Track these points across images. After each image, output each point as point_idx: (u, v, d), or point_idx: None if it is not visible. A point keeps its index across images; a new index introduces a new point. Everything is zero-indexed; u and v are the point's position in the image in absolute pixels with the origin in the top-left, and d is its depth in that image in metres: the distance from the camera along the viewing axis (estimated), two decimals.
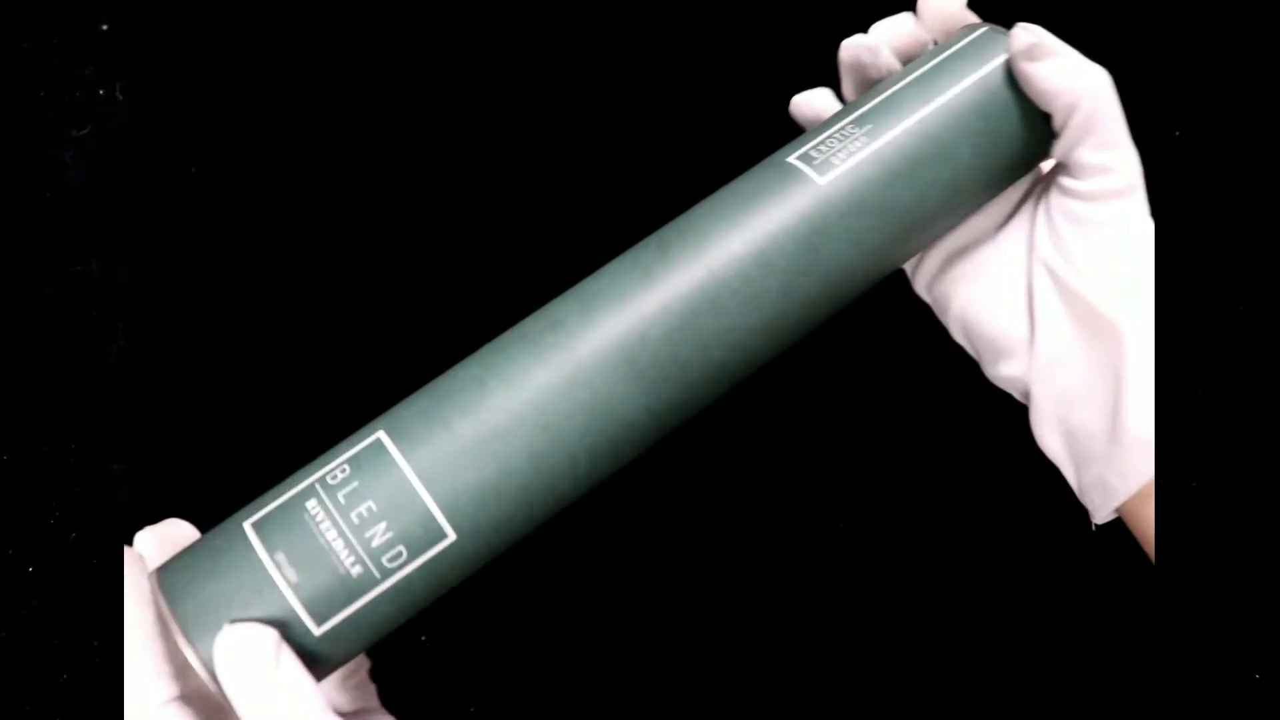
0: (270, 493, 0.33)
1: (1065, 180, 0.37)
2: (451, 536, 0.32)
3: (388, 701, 0.36)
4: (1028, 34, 0.36)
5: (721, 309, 0.34)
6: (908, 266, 0.41)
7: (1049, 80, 0.36)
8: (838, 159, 0.36)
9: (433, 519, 0.32)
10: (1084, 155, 0.36)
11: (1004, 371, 0.39)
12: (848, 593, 0.56)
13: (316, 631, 0.31)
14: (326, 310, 0.55)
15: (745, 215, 0.35)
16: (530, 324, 0.35)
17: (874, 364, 0.57)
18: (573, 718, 0.54)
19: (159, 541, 0.34)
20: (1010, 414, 0.39)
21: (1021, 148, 0.37)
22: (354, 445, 0.33)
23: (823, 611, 0.56)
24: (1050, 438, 0.38)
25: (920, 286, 0.41)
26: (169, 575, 0.32)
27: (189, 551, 0.32)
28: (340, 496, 0.31)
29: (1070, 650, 0.56)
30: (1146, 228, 0.36)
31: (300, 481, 0.32)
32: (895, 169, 0.36)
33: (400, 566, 0.31)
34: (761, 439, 0.57)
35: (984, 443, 0.55)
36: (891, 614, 0.56)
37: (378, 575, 0.31)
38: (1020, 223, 0.39)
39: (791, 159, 0.37)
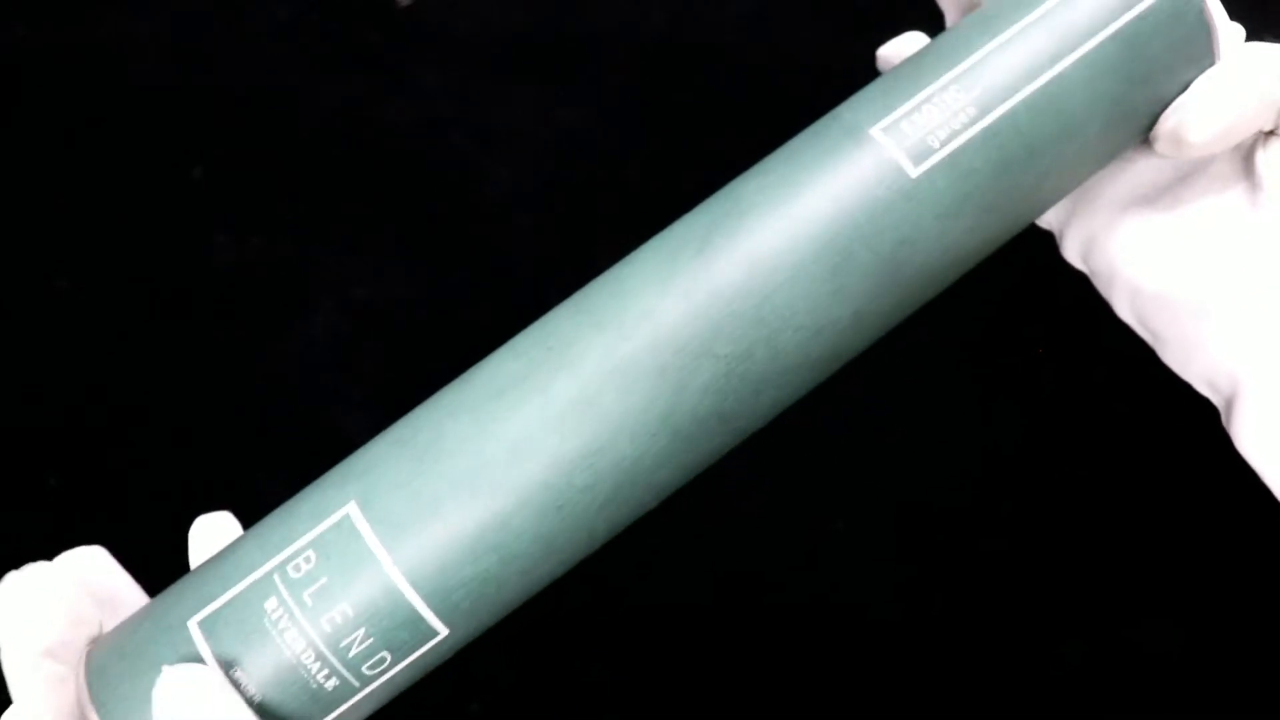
0: (213, 569, 0.27)
1: None
2: (443, 633, 0.27)
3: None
4: None
5: (778, 348, 0.27)
6: (1052, 227, 0.34)
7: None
8: (937, 138, 0.27)
9: (422, 620, 0.26)
10: None
11: (1201, 371, 0.30)
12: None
13: None
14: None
15: (813, 222, 0.27)
16: (536, 362, 0.27)
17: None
18: (575, 717, 0.53)
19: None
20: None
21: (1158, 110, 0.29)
22: (318, 520, 0.26)
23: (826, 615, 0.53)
24: (1258, 453, 0.29)
25: (1071, 252, 0.33)
26: (94, 678, 0.26)
27: (117, 646, 0.26)
28: (306, 597, 0.26)
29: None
30: None
31: (254, 567, 0.26)
32: (1008, 154, 0.28)
33: (383, 672, 0.27)
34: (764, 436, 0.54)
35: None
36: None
37: (356, 684, 0.26)
38: (1223, 169, 0.30)
39: (876, 131, 0.28)
